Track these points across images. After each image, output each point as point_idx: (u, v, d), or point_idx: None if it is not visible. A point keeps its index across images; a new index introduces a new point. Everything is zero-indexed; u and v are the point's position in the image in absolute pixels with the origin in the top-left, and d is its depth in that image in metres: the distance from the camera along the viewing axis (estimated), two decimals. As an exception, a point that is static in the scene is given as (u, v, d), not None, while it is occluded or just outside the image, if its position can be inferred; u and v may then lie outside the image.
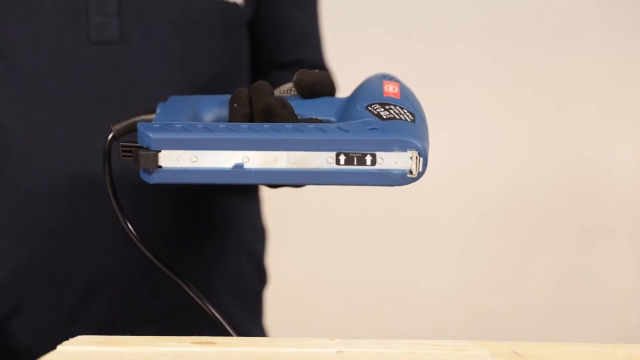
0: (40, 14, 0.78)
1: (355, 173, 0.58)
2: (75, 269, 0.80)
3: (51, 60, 0.78)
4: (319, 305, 1.94)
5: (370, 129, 0.58)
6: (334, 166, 0.58)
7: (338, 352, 0.52)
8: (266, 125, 0.59)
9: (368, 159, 0.58)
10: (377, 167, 0.58)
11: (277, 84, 0.70)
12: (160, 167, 0.58)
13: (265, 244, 0.95)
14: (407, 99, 0.64)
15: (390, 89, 0.65)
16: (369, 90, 0.65)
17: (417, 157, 0.58)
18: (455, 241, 1.97)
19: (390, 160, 0.58)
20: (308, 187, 0.72)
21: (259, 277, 0.94)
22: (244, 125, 0.59)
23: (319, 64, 0.94)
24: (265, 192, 0.96)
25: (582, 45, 1.94)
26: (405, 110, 0.61)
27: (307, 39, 0.95)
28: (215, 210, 0.87)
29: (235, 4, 0.86)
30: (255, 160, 0.58)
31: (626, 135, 1.97)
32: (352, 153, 0.58)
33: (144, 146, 0.59)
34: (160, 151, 0.58)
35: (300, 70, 0.67)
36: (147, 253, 0.67)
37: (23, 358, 0.79)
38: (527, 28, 1.94)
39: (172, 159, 0.58)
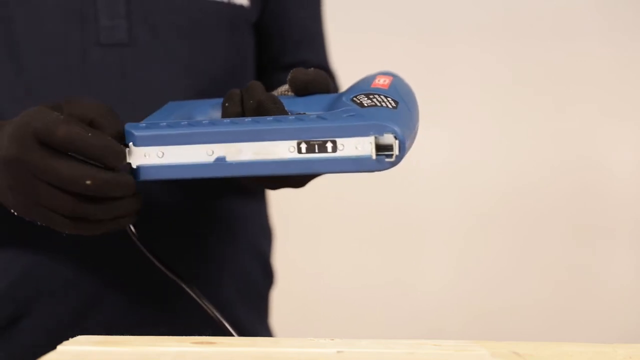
0: (49, 16, 0.78)
1: (330, 160, 0.58)
2: (82, 271, 0.80)
3: (60, 62, 0.78)
4: (319, 305, 1.94)
5: (347, 116, 0.59)
6: (298, 155, 0.58)
7: (338, 352, 0.52)
8: (227, 120, 0.61)
9: (329, 146, 0.58)
10: (339, 154, 0.58)
11: (280, 85, 0.70)
12: (129, 163, 0.61)
13: (272, 244, 0.96)
14: (395, 90, 0.64)
15: (381, 81, 0.65)
16: (360, 84, 0.66)
17: (394, 141, 0.57)
18: (455, 241, 1.97)
19: (350, 146, 0.58)
20: (308, 188, 0.72)
21: (266, 278, 0.94)
22: (212, 121, 0.61)
23: (323, 66, 0.94)
24: (268, 194, 0.96)
25: (582, 45, 1.94)
26: (389, 99, 0.61)
27: (311, 40, 0.95)
28: (222, 211, 0.88)
29: (241, 6, 0.86)
30: (219, 152, 0.59)
31: (626, 135, 1.97)
32: (313, 141, 0.58)
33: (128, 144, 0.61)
34: (127, 147, 0.60)
35: (294, 69, 0.67)
36: (147, 254, 0.67)
37: (32, 359, 0.79)
38: (527, 28, 1.94)
39: (140, 156, 0.60)
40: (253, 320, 0.91)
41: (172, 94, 0.78)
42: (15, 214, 0.64)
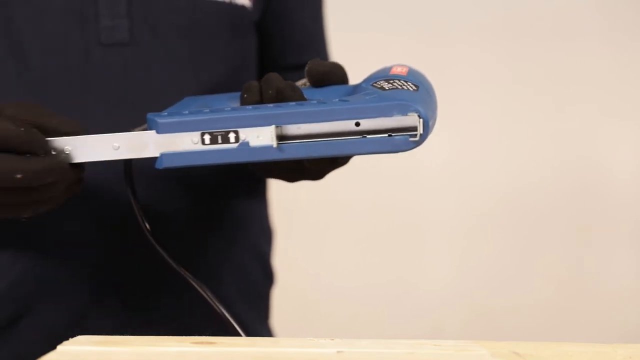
0: (50, 15, 0.78)
1: (355, 142, 0.58)
2: (82, 271, 0.80)
3: (61, 61, 0.79)
4: (319, 305, 1.94)
5: (370, 98, 0.59)
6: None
7: (338, 352, 0.52)
8: (249, 106, 0.61)
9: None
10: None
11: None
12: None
13: (273, 244, 0.96)
14: (413, 76, 0.64)
15: (398, 69, 0.66)
16: (378, 73, 0.66)
17: (418, 120, 0.58)
18: (455, 241, 1.97)
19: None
20: (308, 188, 0.72)
21: (266, 278, 0.94)
22: (234, 108, 0.61)
23: None
24: (269, 194, 0.96)
25: (582, 45, 1.94)
26: (409, 83, 0.62)
27: (313, 41, 0.95)
28: (223, 212, 0.88)
29: (243, 7, 0.86)
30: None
31: (626, 135, 1.97)
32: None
33: None
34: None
35: (311, 61, 0.67)
36: (161, 251, 0.68)
37: (32, 359, 0.78)
38: (527, 28, 1.94)
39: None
40: (253, 321, 0.91)
41: (173, 94, 0.78)
42: None
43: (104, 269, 0.81)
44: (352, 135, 0.58)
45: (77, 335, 0.55)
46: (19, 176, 0.60)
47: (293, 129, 0.59)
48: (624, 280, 1.98)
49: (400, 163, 1.86)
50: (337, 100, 0.59)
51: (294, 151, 0.59)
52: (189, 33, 0.82)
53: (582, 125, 1.96)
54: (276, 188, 0.96)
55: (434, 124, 0.62)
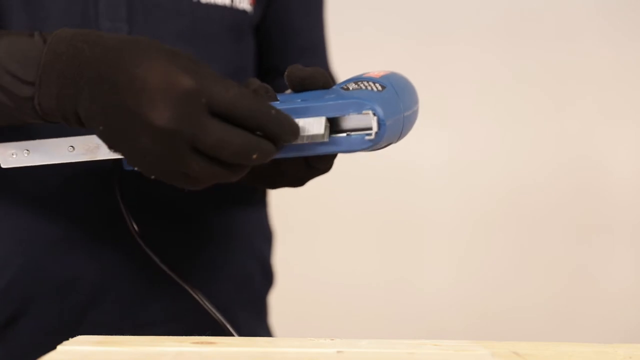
0: (50, 18, 0.78)
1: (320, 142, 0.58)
2: (81, 270, 0.80)
3: None
4: (319, 305, 1.94)
5: (328, 97, 0.59)
6: None
7: (338, 352, 0.52)
8: None
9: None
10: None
11: (282, 91, 0.70)
12: None
13: (272, 246, 0.96)
14: (386, 78, 0.63)
15: (374, 73, 0.65)
16: (354, 76, 0.66)
17: (372, 117, 0.57)
18: (455, 241, 1.97)
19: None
20: (308, 188, 0.72)
21: (266, 279, 0.94)
22: None
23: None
24: (269, 196, 0.96)
25: (582, 45, 1.94)
26: (376, 84, 0.61)
27: (314, 45, 0.95)
28: (223, 216, 0.88)
29: (244, 11, 0.86)
30: None
31: (626, 135, 1.97)
32: None
33: None
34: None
35: (290, 66, 0.67)
36: (151, 254, 0.68)
37: (30, 359, 0.78)
38: (527, 28, 1.94)
39: None
40: (252, 322, 0.91)
41: None
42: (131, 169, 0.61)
43: (102, 270, 0.81)
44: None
45: (77, 335, 0.55)
46: (254, 156, 0.56)
47: None
48: (624, 280, 1.98)
49: (401, 163, 1.86)
50: (299, 100, 0.59)
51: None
52: (189, 37, 0.82)
53: (582, 125, 1.96)
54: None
55: (399, 127, 0.61)
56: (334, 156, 0.64)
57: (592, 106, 1.96)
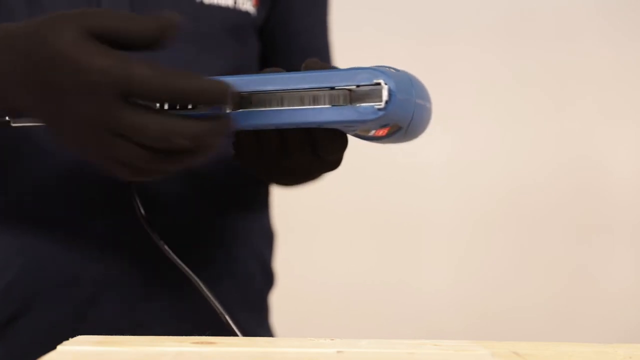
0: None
1: (323, 110, 0.57)
2: (81, 270, 0.80)
3: None
4: (320, 305, 1.94)
5: (337, 68, 0.58)
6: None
7: (338, 352, 0.52)
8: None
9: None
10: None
11: None
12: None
13: (273, 247, 0.96)
14: (398, 70, 0.63)
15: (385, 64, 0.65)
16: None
17: (383, 86, 0.56)
18: (455, 241, 1.97)
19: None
20: (310, 189, 0.72)
21: (266, 280, 0.94)
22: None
23: None
24: (271, 198, 0.96)
25: (582, 45, 1.94)
26: (391, 69, 0.60)
27: (317, 48, 0.95)
28: (224, 218, 0.88)
29: (246, 13, 0.86)
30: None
31: (626, 135, 1.97)
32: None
33: None
34: None
35: (308, 59, 0.66)
36: (163, 248, 0.68)
37: (30, 358, 0.78)
38: (527, 28, 1.94)
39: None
40: (253, 323, 0.91)
41: None
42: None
43: (102, 270, 0.81)
44: (319, 104, 0.57)
45: (77, 335, 0.55)
46: (184, 138, 0.54)
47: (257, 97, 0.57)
48: (624, 280, 1.98)
49: (401, 164, 1.86)
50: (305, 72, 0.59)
51: (255, 119, 0.57)
52: (192, 38, 0.82)
53: (582, 125, 1.96)
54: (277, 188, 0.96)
55: (409, 107, 0.60)
56: (343, 144, 0.63)
57: (592, 106, 1.96)
